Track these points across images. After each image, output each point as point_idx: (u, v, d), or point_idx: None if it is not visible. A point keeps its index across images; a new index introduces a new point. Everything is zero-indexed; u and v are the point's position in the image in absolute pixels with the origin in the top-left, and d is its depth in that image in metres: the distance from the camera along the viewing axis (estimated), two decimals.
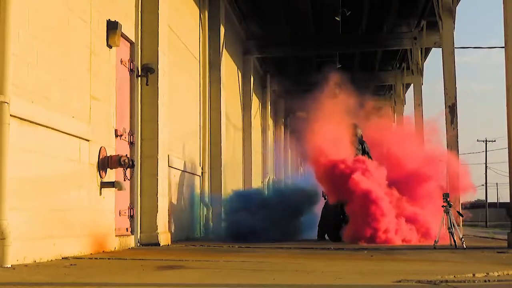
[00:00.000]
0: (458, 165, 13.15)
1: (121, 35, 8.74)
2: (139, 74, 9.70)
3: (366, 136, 12.74)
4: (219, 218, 13.28)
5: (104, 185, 8.15)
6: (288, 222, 12.54)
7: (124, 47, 9.28)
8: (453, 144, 13.73)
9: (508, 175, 10.10)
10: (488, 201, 67.11)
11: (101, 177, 8.10)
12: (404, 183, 12.02)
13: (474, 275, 5.41)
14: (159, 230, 9.65)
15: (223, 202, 13.61)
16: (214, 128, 14.68)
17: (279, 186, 17.83)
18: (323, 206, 12.76)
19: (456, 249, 9.42)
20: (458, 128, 13.91)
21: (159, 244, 9.56)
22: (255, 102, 21.66)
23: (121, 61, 9.11)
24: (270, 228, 11.80)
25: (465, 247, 9.56)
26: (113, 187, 8.29)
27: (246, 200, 12.87)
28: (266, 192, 15.41)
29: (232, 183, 16.29)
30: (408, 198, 11.91)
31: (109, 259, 7.02)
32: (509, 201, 11.09)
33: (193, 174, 13.14)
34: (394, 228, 11.31)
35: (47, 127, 6.63)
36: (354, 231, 11.31)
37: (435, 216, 11.13)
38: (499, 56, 19.76)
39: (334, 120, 11.78)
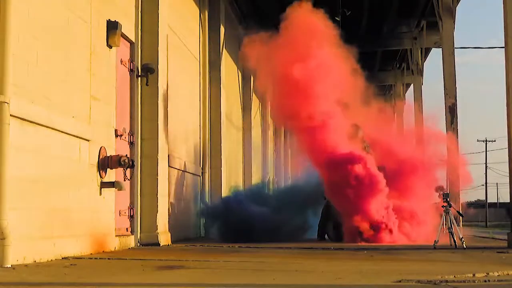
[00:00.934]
0: (458, 154, 13.14)
1: (121, 35, 8.74)
2: (139, 74, 9.70)
3: (362, 126, 12.64)
4: (219, 218, 13.24)
5: (104, 185, 8.15)
6: (291, 222, 12.49)
7: (124, 47, 9.28)
8: None
9: (508, 175, 10.11)
10: (488, 201, 67.05)
11: (101, 177, 8.10)
12: (396, 174, 11.99)
13: (474, 275, 5.41)
14: (159, 230, 9.65)
15: (223, 202, 13.58)
16: (214, 128, 14.67)
17: (280, 186, 17.78)
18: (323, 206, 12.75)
19: (456, 249, 9.42)
20: (458, 128, 13.92)
21: (159, 244, 9.56)
22: (255, 102, 21.64)
23: (121, 61, 9.11)
24: (272, 228, 11.76)
25: (465, 247, 9.56)
26: (113, 187, 8.29)
27: (248, 199, 12.82)
28: (267, 191, 15.38)
29: (232, 183, 16.28)
30: (398, 190, 11.88)
31: (109, 259, 7.02)
32: (509, 201, 11.11)
33: (193, 174, 13.14)
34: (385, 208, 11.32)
35: (47, 127, 6.63)
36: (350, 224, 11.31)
37: (429, 208, 11.15)
38: (499, 56, 19.75)
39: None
